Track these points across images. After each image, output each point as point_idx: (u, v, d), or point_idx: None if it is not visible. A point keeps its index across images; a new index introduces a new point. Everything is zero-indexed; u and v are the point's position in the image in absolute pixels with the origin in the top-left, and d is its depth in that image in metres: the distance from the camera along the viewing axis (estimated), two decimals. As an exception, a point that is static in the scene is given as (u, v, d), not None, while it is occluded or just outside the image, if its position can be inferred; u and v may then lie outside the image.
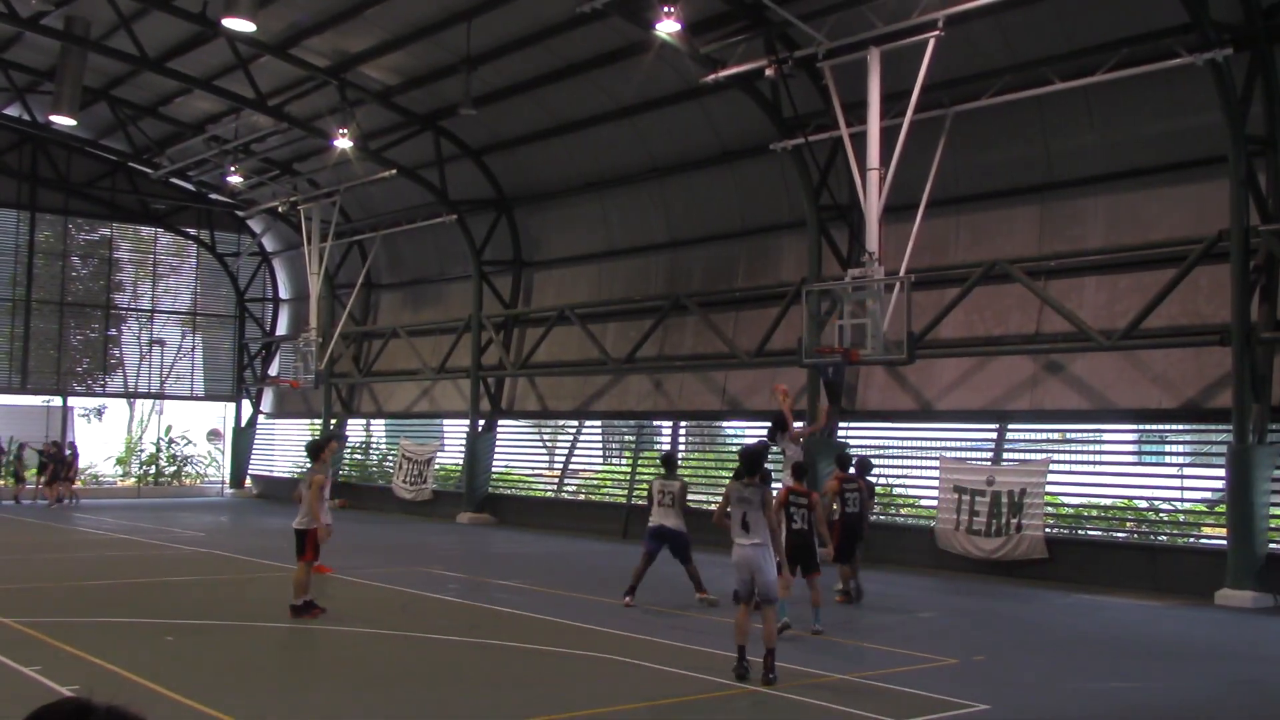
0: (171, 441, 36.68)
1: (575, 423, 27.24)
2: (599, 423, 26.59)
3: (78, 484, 31.83)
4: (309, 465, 13.70)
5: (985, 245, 19.24)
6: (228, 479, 37.04)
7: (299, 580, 12.73)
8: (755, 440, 15.89)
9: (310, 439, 13.28)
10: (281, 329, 36.97)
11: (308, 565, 12.88)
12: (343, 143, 24.71)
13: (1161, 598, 15.70)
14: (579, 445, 27.90)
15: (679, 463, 17.30)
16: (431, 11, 21.38)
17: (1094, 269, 18.09)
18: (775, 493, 12.13)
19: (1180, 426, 18.19)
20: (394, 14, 21.77)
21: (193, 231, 36.13)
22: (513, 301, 28.20)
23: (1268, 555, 15.15)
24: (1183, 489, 18.01)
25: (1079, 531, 18.27)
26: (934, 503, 19.30)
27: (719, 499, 24.28)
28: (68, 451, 31.24)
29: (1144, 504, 17.99)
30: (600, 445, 28.61)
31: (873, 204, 17.01)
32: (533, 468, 28.47)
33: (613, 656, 10.77)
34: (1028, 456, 19.17)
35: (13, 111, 30.02)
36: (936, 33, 16.19)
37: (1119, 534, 18.06)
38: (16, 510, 28.83)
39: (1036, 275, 18.34)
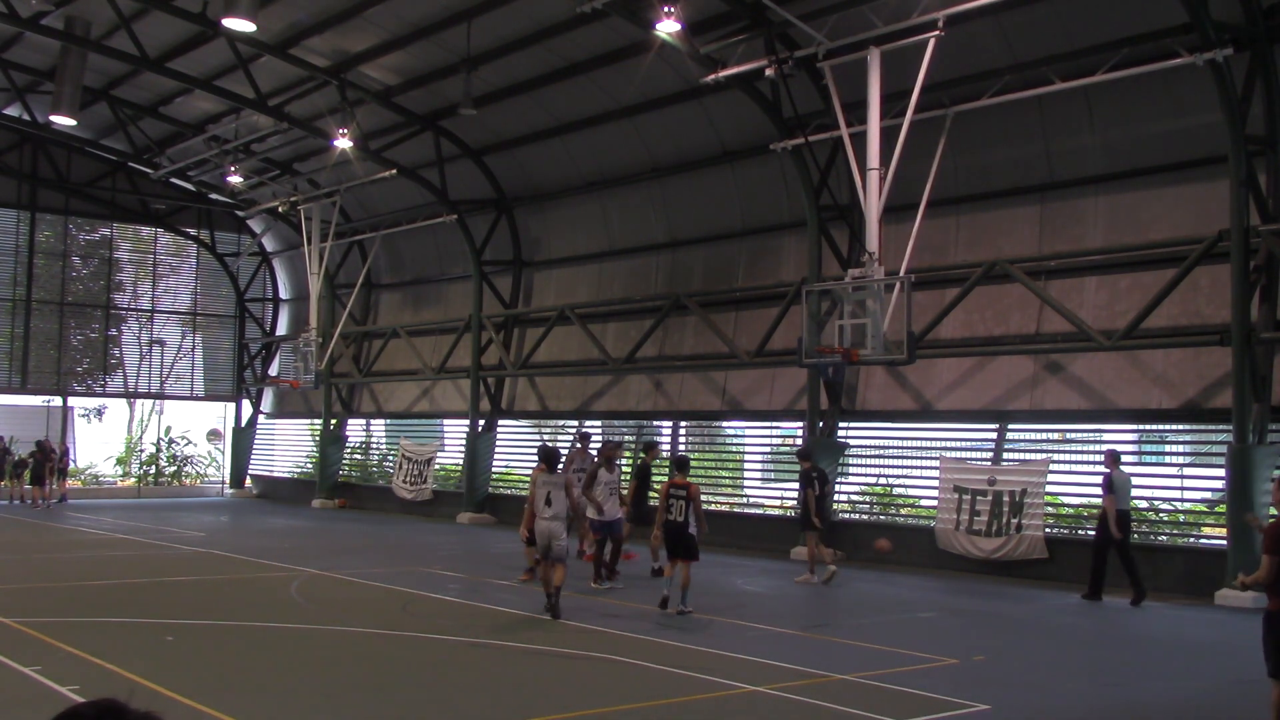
0: (171, 441, 36.68)
1: (575, 423, 27.23)
2: (599, 423, 26.57)
3: (68, 484, 31.74)
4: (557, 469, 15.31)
5: (985, 245, 19.24)
6: (228, 479, 37.03)
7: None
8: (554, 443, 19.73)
9: (543, 445, 15.39)
10: (281, 329, 36.96)
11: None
12: (343, 143, 24.71)
13: (1161, 598, 15.70)
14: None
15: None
16: (431, 11, 21.38)
17: (1094, 269, 18.09)
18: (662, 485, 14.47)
19: (1180, 426, 18.18)
20: (394, 14, 21.77)
21: (193, 231, 36.12)
22: (513, 301, 28.20)
23: (1268, 555, 15.14)
24: (1183, 489, 17.99)
25: (1079, 531, 18.26)
26: (934, 503, 19.32)
27: (721, 500, 24.21)
28: (57, 452, 31.17)
29: (1144, 504, 17.98)
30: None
31: (873, 204, 17.02)
32: (533, 468, 28.41)
33: (612, 656, 10.78)
34: (1028, 456, 19.17)
35: (13, 111, 30.00)
36: (936, 33, 16.20)
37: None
38: (17, 510, 28.81)
39: (1036, 275, 18.34)
